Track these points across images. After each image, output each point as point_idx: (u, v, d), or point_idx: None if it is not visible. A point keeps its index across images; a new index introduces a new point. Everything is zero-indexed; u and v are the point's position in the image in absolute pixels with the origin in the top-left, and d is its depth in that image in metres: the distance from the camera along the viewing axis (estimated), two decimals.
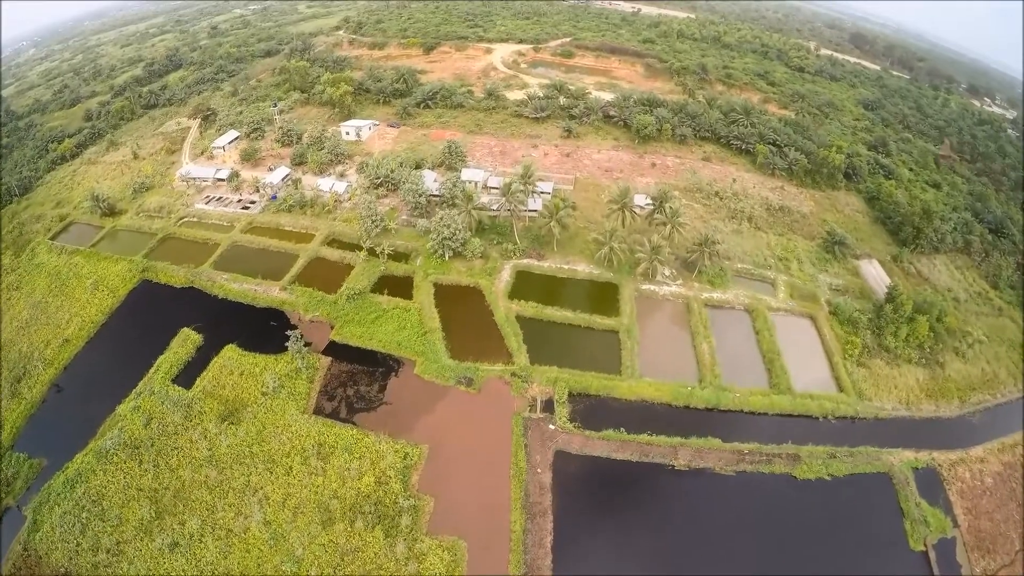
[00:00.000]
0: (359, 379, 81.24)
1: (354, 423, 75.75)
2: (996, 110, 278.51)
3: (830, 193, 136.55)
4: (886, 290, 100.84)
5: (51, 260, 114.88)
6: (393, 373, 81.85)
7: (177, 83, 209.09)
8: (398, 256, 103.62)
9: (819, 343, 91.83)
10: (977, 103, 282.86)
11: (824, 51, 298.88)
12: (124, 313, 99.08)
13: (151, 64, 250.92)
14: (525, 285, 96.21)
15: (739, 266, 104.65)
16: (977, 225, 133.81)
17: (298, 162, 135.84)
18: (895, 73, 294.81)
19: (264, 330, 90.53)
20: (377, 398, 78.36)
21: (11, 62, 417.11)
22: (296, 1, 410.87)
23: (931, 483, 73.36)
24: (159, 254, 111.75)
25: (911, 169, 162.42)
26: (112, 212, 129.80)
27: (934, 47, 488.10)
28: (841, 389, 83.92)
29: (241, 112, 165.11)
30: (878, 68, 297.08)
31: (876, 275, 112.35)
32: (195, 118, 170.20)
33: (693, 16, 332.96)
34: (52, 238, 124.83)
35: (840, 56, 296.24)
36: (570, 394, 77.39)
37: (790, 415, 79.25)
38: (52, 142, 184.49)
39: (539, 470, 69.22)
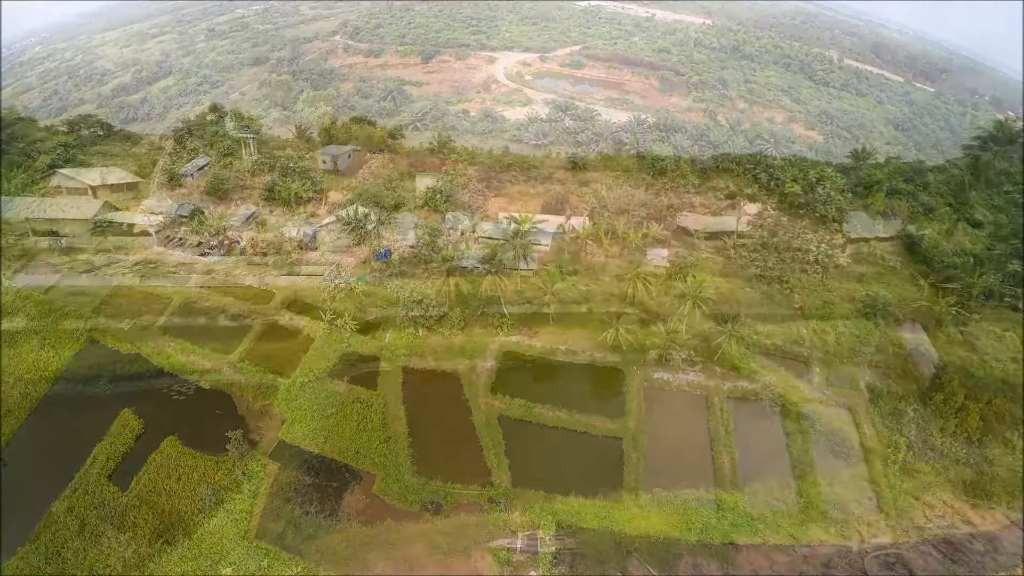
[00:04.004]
0: (310, 495, 68.31)
1: (300, 553, 63.30)
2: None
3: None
4: (933, 370, 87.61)
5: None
6: (348, 489, 68.84)
7: (159, 95, 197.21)
8: (365, 327, 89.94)
9: (858, 444, 78.29)
10: (1001, 116, 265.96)
11: (847, 61, 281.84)
12: (68, 381, 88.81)
13: (140, 71, 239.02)
14: (512, 371, 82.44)
15: (768, 342, 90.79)
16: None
17: (267, 197, 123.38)
18: (919, 86, 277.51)
19: (209, 418, 79.09)
20: (328, 523, 65.54)
21: (15, 60, 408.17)
22: (300, 1, 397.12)
23: None
24: (110, 308, 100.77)
25: (950, 204, 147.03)
26: (71, 250, 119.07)
27: (951, 55, 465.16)
28: (881, 508, 71.24)
29: (216, 132, 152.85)
30: (901, 80, 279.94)
31: (920, 346, 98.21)
32: (167, 139, 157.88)
33: (710, 22, 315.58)
34: (9, 279, 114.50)
35: (863, 67, 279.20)
36: (559, 526, 64.09)
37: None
38: (27, 158, 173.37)
39: None
